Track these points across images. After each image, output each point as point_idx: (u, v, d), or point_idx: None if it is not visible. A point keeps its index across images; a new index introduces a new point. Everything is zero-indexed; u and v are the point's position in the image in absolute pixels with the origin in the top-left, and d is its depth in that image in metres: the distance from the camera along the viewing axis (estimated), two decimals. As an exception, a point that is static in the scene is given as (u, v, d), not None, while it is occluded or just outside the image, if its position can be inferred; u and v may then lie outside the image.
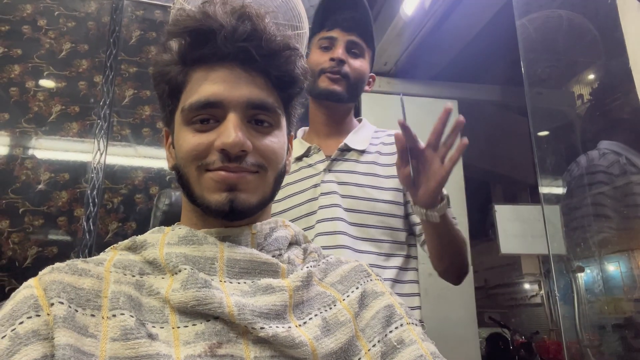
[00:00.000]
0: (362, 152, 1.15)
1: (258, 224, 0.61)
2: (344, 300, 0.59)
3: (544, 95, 1.93)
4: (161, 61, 0.60)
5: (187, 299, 0.49)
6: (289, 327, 0.52)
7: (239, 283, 0.54)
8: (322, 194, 1.08)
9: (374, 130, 1.22)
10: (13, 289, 2.03)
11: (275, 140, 0.59)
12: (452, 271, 1.05)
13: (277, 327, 0.51)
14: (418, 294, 1.07)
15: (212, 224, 0.58)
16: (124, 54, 2.79)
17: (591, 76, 1.83)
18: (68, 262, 0.53)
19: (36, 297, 0.48)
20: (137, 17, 2.87)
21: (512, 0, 1.83)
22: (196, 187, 0.57)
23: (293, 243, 0.65)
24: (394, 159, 1.05)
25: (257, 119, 0.58)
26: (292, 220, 1.07)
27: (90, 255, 2.36)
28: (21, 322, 0.45)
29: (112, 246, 0.59)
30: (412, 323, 0.58)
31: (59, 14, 2.73)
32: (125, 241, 0.59)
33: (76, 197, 2.48)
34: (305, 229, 1.06)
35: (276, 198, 1.09)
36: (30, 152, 2.49)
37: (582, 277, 1.67)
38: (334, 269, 0.64)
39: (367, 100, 2.87)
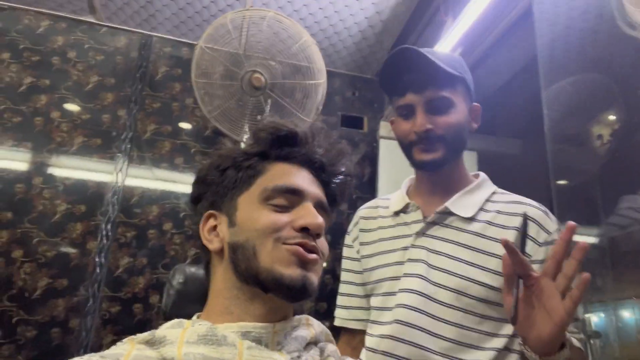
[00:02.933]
0: (469, 220, 0.96)
1: (281, 322, 0.61)
2: None
3: (565, 150, 1.91)
4: (239, 151, 0.69)
5: None
6: None
7: None
8: (409, 260, 0.96)
9: (492, 192, 1.02)
10: (21, 320, 2.01)
11: (324, 241, 0.66)
12: None
13: None
14: None
15: (252, 311, 0.60)
16: (149, 89, 2.84)
17: (612, 117, 1.80)
18: (86, 358, 0.52)
19: None
20: (164, 53, 2.94)
21: (536, 57, 1.83)
22: (266, 260, 0.59)
23: (312, 343, 0.64)
24: (508, 235, 0.89)
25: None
26: (379, 281, 1.01)
27: (99, 290, 2.35)
28: None
29: (130, 337, 0.58)
30: None
31: (89, 47, 2.80)
32: (144, 334, 0.58)
33: (90, 230, 2.48)
34: (387, 294, 0.98)
35: (368, 253, 1.07)
36: (49, 181, 2.51)
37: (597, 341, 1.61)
38: None
39: (385, 146, 2.86)
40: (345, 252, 1.15)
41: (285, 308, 0.63)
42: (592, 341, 1.60)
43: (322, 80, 1.59)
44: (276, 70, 1.71)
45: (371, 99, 3.27)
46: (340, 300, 1.11)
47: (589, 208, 1.74)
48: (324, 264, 0.69)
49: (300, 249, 0.59)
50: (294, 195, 0.63)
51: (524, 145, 3.03)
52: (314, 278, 0.60)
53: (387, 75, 1.02)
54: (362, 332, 1.03)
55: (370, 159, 3.08)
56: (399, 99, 1.01)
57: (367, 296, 1.06)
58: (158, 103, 2.82)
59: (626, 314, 1.53)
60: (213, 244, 0.65)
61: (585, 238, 1.72)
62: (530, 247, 0.90)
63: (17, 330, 2.25)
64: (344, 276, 1.12)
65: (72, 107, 2.68)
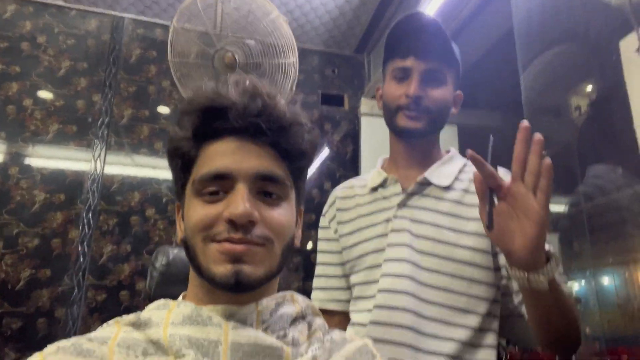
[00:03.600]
0: (446, 188, 1.00)
1: (264, 300, 0.60)
2: None
3: (543, 120, 1.94)
4: (175, 137, 0.62)
5: None
6: None
7: None
8: (393, 230, 0.97)
9: (463, 164, 1.05)
10: (5, 313, 1.99)
11: (284, 213, 0.59)
12: (559, 346, 0.85)
13: None
14: None
15: (219, 299, 0.58)
16: (124, 73, 2.78)
17: (589, 88, 1.82)
18: (73, 340, 0.52)
19: None
20: (137, 35, 2.87)
21: (512, 29, 1.84)
22: (202, 259, 0.57)
23: (299, 318, 0.63)
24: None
25: (266, 191, 0.59)
26: (360, 257, 1.02)
27: (83, 279, 2.33)
28: None
29: (116, 319, 0.58)
30: None
31: (59, 31, 2.72)
32: (130, 316, 0.58)
33: (71, 219, 2.45)
34: (372, 267, 0.99)
35: (347, 231, 1.06)
36: (25, 171, 2.46)
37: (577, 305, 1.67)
38: (339, 350, 0.62)
39: (367, 124, 2.86)
40: (321, 233, 1.15)
41: (253, 293, 0.59)
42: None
43: (293, 58, 1.56)
44: (249, 49, 1.68)
45: (351, 76, 3.25)
46: (317, 282, 1.11)
47: (567, 178, 1.78)
48: (298, 242, 0.64)
49: (227, 245, 0.55)
50: (224, 180, 0.57)
51: (503, 117, 3.07)
52: (250, 269, 0.55)
53: (395, 34, 1.03)
54: (340, 314, 1.05)
55: (352, 137, 3.08)
56: (398, 61, 1.01)
57: (346, 276, 1.07)
58: (134, 87, 2.77)
59: (605, 281, 1.57)
60: (179, 235, 0.64)
61: (563, 207, 1.76)
62: None
63: (2, 322, 2.23)
64: (320, 258, 1.13)
65: (45, 94, 2.61)
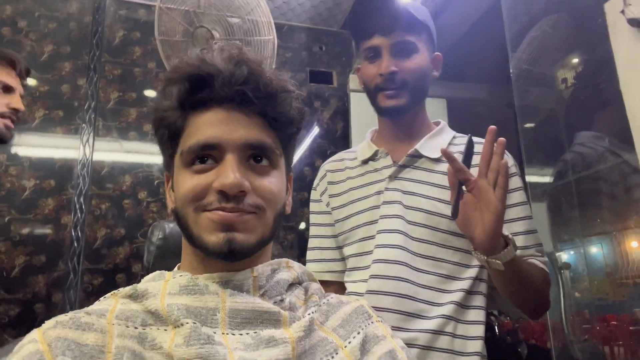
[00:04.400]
0: (436, 160, 1.01)
1: (260, 266, 0.60)
2: (345, 347, 0.58)
3: (531, 91, 1.95)
4: (161, 107, 0.61)
5: (190, 356, 0.49)
6: None
7: (241, 335, 0.54)
8: (385, 202, 0.99)
9: (453, 136, 1.08)
10: (2, 300, 1.99)
11: (274, 181, 0.60)
12: (525, 309, 0.95)
13: None
14: (483, 322, 0.95)
15: (213, 268, 0.58)
16: (108, 55, 2.73)
17: (575, 60, 1.84)
18: (71, 315, 0.53)
19: (41, 353, 0.47)
20: (120, 16, 2.81)
21: (499, 1, 1.83)
22: (194, 228, 0.57)
23: (295, 283, 0.65)
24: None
25: (256, 156, 0.59)
26: (353, 229, 1.04)
27: (79, 263, 2.34)
28: None
29: (112, 292, 0.59)
30: None
31: (40, 14, 2.66)
32: (127, 288, 0.59)
33: (62, 204, 2.44)
34: (365, 239, 1.01)
35: (339, 204, 1.08)
36: (14, 158, 2.44)
37: (567, 272, 1.71)
38: (335, 311, 0.64)
39: (356, 100, 2.85)
40: (313, 206, 1.16)
41: (247, 260, 0.60)
42: (562, 271, 1.69)
43: (271, 35, 1.54)
44: (230, 26, 1.66)
45: (339, 52, 3.23)
46: (311, 254, 1.13)
47: (555, 149, 1.80)
48: (288, 208, 0.65)
49: (220, 213, 0.55)
50: (213, 150, 0.57)
51: (490, 90, 3.07)
52: (243, 237, 0.56)
53: (355, 16, 1.05)
54: (336, 284, 1.07)
55: (342, 114, 3.08)
56: (365, 42, 1.03)
57: (340, 247, 1.09)
58: (119, 69, 2.73)
59: (594, 250, 1.61)
60: (169, 206, 0.64)
61: (551, 177, 1.79)
62: None
63: (-1, 309, 2.24)
64: (313, 230, 1.15)
65: (29, 80, 2.56)
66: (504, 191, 0.77)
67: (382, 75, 0.99)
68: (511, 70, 1.89)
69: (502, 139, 0.78)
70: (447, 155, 0.78)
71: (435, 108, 2.62)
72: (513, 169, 1.00)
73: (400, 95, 1.00)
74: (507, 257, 0.80)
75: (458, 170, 0.78)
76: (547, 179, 1.81)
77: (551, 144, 1.84)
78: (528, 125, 1.86)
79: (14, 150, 2.45)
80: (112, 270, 2.43)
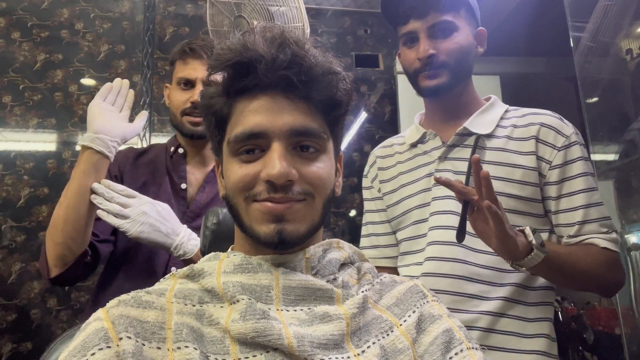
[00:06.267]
0: (488, 136, 0.98)
1: (311, 247, 0.61)
2: (401, 325, 0.58)
3: (593, 62, 1.83)
4: (207, 94, 0.62)
5: (246, 330, 0.50)
6: (348, 358, 0.52)
7: (295, 310, 0.55)
8: (436, 185, 0.98)
9: (505, 110, 1.03)
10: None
11: (322, 166, 0.59)
12: (591, 291, 0.95)
13: (336, 357, 0.51)
14: (549, 303, 0.94)
15: (266, 251, 0.59)
16: (160, 52, 2.82)
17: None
18: (133, 294, 0.55)
19: (106, 329, 0.49)
20: (169, 13, 2.89)
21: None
22: (245, 218, 0.58)
23: (347, 263, 0.65)
24: (527, 145, 0.93)
25: (303, 145, 0.58)
26: (405, 213, 1.03)
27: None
28: (93, 354, 0.47)
29: (171, 273, 0.61)
30: (473, 347, 0.57)
31: (95, 15, 2.78)
32: (184, 269, 0.61)
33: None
34: (418, 222, 1.00)
35: (389, 189, 1.08)
36: (77, 155, 2.57)
37: (637, 253, 1.62)
38: (389, 290, 0.63)
39: (404, 82, 2.79)
40: (366, 194, 1.16)
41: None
42: (632, 253, 1.60)
43: (301, 23, 1.53)
44: (270, 15, 1.66)
45: (384, 34, 3.16)
46: (366, 241, 1.13)
47: (621, 124, 1.69)
48: (338, 192, 0.64)
49: (269, 205, 0.55)
50: (259, 139, 0.56)
51: (547, 63, 2.91)
52: (293, 227, 0.56)
53: (389, 2, 1.03)
54: (391, 270, 1.06)
55: (390, 97, 3.02)
56: (402, 27, 1.02)
57: (394, 232, 1.08)
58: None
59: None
60: (220, 192, 0.65)
61: (616, 155, 1.68)
62: (549, 153, 0.93)
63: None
64: (367, 217, 1.14)
65: (87, 81, 2.69)
66: (491, 199, 0.73)
67: (421, 60, 0.98)
68: (571, 41, 1.79)
69: (484, 172, 0.73)
70: (441, 181, 0.77)
71: (487, 86, 2.51)
72: (573, 137, 0.94)
73: (440, 75, 0.98)
74: (532, 262, 0.78)
75: (459, 192, 0.77)
76: (614, 156, 1.71)
77: (617, 119, 1.74)
78: (591, 100, 1.76)
79: (78, 148, 2.59)
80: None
